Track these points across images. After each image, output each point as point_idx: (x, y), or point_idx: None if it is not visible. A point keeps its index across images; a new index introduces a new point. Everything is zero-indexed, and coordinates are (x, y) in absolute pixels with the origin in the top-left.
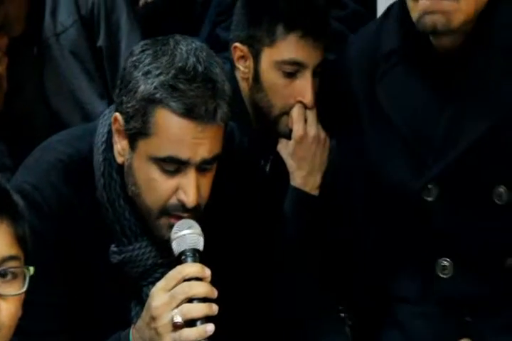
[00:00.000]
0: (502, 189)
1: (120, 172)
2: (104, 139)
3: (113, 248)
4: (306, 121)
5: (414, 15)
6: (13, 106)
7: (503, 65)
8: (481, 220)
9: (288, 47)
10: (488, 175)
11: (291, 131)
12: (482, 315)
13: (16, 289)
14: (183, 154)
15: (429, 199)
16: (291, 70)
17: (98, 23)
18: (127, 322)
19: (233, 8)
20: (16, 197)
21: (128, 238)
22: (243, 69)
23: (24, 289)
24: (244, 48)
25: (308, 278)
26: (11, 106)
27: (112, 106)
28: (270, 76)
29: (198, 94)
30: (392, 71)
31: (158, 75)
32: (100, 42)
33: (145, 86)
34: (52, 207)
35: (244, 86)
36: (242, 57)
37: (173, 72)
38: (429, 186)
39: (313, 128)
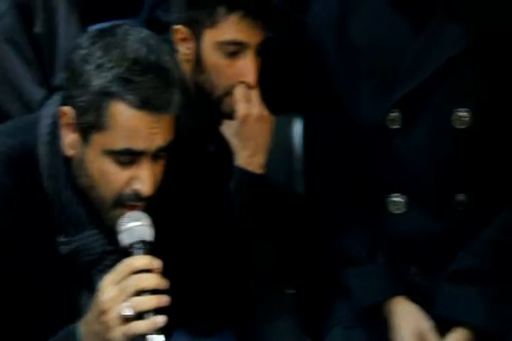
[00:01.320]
0: (463, 112)
1: (66, 164)
2: (48, 130)
3: (61, 238)
4: (249, 100)
5: None
6: None
7: None
8: (439, 148)
9: (229, 28)
10: (451, 98)
11: (234, 111)
12: (426, 266)
13: None
14: (139, 146)
15: (393, 127)
16: (233, 50)
17: (34, 9)
18: (78, 313)
19: None
20: None
21: (76, 228)
22: (185, 51)
23: None
24: (186, 30)
25: (256, 256)
26: None
27: (55, 97)
28: (212, 57)
29: (153, 85)
30: (364, 5)
31: (111, 68)
32: (37, 29)
33: (98, 80)
34: None
35: (185, 68)
36: (184, 39)
37: (126, 64)
38: (393, 114)
39: (256, 108)
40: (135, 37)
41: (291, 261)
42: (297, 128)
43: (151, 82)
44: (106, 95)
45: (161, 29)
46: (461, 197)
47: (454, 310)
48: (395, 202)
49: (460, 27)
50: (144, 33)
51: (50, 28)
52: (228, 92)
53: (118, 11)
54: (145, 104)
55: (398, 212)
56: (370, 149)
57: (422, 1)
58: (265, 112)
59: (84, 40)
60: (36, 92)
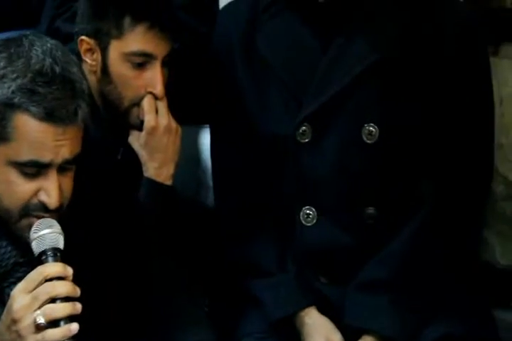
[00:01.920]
0: (372, 128)
1: None
2: None
3: None
4: (156, 111)
5: None
6: None
7: (385, 12)
8: (349, 162)
9: (136, 39)
10: (359, 114)
11: (142, 122)
12: (335, 276)
13: None
14: (45, 157)
15: (303, 141)
16: (140, 61)
17: None
18: None
19: (72, 0)
20: None
21: None
22: (90, 62)
23: None
24: (91, 41)
25: (167, 267)
26: None
27: None
28: (119, 68)
29: (58, 97)
30: (273, 19)
31: (15, 79)
32: None
33: (1, 90)
34: None
35: (92, 79)
36: (89, 49)
37: (30, 75)
38: (303, 128)
39: (164, 119)
40: (41, 48)
41: (200, 272)
42: (205, 138)
43: (55, 94)
44: (9, 106)
45: (63, 40)
46: (370, 210)
47: (362, 319)
48: (305, 214)
49: (365, 44)
50: (50, 43)
51: None
52: (135, 103)
53: (16, 21)
54: (49, 116)
55: (309, 224)
56: (279, 162)
57: (330, 17)
58: (173, 123)
59: None
60: None
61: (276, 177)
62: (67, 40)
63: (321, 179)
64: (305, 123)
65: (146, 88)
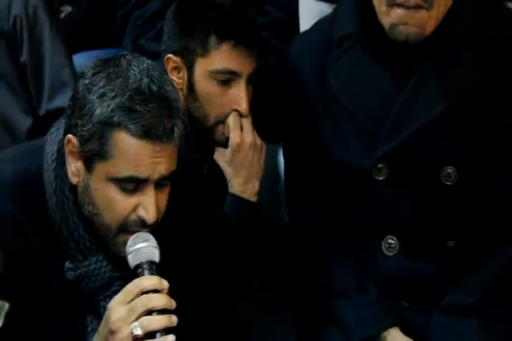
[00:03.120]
0: (450, 170)
1: (73, 190)
2: (54, 157)
3: (68, 264)
4: (241, 129)
5: (385, 21)
6: None
7: (460, 52)
8: (428, 200)
9: (221, 57)
10: (437, 156)
11: (227, 139)
12: (418, 301)
13: None
14: (142, 173)
15: (379, 178)
16: (225, 79)
17: (21, 38)
18: (84, 338)
19: (156, 19)
20: None
21: (83, 254)
22: (177, 80)
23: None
24: (178, 59)
25: (253, 284)
26: None
27: (59, 124)
28: (204, 86)
29: (155, 115)
30: (345, 55)
31: (113, 98)
32: (23, 58)
33: (101, 109)
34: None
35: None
36: (176, 68)
37: (128, 93)
38: (379, 165)
39: (249, 136)
40: (138, 67)
41: (284, 290)
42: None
43: (153, 112)
44: (109, 125)
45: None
46: (451, 243)
47: None
48: (387, 243)
49: (443, 85)
50: (147, 63)
51: (37, 57)
52: (220, 121)
53: (101, 40)
54: (147, 134)
55: (390, 254)
56: (356, 194)
57: (405, 54)
58: (258, 140)
59: (88, 69)
60: (23, 121)
61: (352, 205)
62: (151, 58)
63: (400, 213)
64: (381, 162)
65: (232, 105)
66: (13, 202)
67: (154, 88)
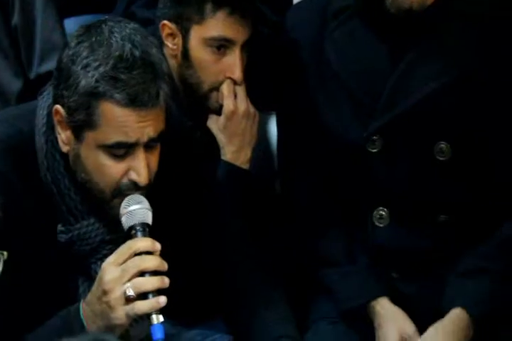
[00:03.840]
0: (444, 145)
1: (64, 155)
2: (44, 121)
3: (60, 227)
4: (235, 96)
5: None
6: None
7: (460, 30)
8: (420, 174)
9: (216, 24)
10: (431, 131)
11: (221, 106)
12: (408, 272)
13: None
14: (131, 138)
15: (373, 150)
16: (220, 45)
17: (12, 0)
18: (75, 300)
19: None
20: None
21: (75, 217)
22: (172, 46)
23: None
24: (173, 26)
25: (245, 251)
26: None
27: (49, 89)
28: (199, 53)
29: (140, 81)
30: (342, 27)
31: (97, 67)
32: (14, 21)
33: (86, 80)
34: None
35: (172, 63)
36: (171, 34)
37: (111, 62)
38: (374, 137)
39: (243, 104)
40: (119, 33)
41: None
42: (274, 126)
43: (137, 78)
44: (94, 95)
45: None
46: (443, 217)
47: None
48: (378, 214)
49: (439, 61)
50: (129, 28)
51: (28, 20)
52: (214, 88)
53: (93, 5)
54: (133, 102)
55: (381, 225)
56: (349, 164)
57: (402, 27)
58: (252, 108)
59: (71, 39)
60: (13, 83)
61: (346, 176)
62: (143, 25)
63: (393, 186)
64: (376, 134)
65: (225, 73)
66: (5, 161)
67: (137, 53)
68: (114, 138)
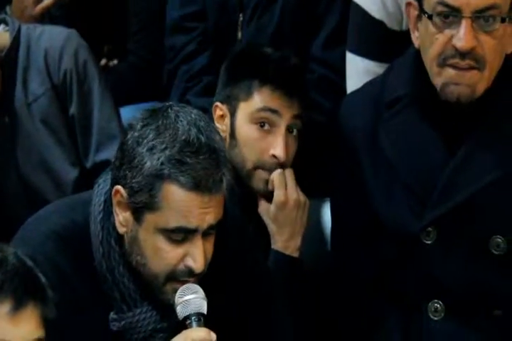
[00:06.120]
0: (500, 239)
1: (119, 241)
2: (101, 208)
3: (113, 315)
4: (286, 186)
5: (437, 81)
6: None
7: None
8: (475, 267)
9: (262, 97)
10: (486, 224)
11: (265, 186)
12: None
13: None
14: (192, 224)
15: (428, 241)
16: (264, 122)
17: (70, 91)
18: None
19: (202, 74)
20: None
21: (127, 304)
22: (222, 128)
23: None
24: (223, 107)
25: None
26: None
27: (105, 176)
28: (245, 129)
29: (205, 167)
30: (397, 117)
31: (163, 150)
32: (72, 111)
33: (151, 161)
34: (48, 279)
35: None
36: (221, 116)
37: (178, 145)
38: (428, 229)
39: (293, 193)
40: (185, 118)
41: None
42: (327, 212)
43: (203, 163)
44: (159, 177)
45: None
46: (498, 312)
47: None
48: (434, 307)
49: (495, 154)
50: (194, 113)
51: (85, 111)
52: (258, 166)
53: (148, 94)
54: (197, 186)
55: (436, 318)
56: (403, 256)
57: (458, 119)
58: (302, 197)
59: (136, 121)
60: (70, 173)
61: (400, 266)
62: None
63: (447, 278)
64: (431, 226)
65: (269, 150)
66: (59, 252)
67: (203, 139)
68: (175, 222)
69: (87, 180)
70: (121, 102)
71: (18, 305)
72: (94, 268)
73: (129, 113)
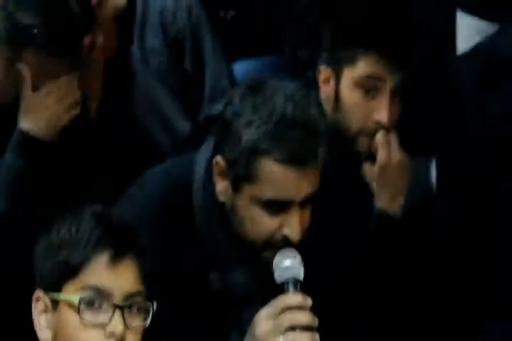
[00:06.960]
0: None
1: (220, 207)
2: (203, 175)
3: (214, 275)
4: (389, 146)
5: None
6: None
7: None
8: None
9: (367, 64)
10: None
11: (368, 148)
12: None
13: (140, 321)
14: (287, 196)
15: None
16: (370, 85)
17: (184, 46)
18: None
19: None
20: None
21: (228, 265)
22: (326, 91)
23: (148, 322)
24: (328, 70)
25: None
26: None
27: (208, 143)
28: (349, 94)
29: (300, 142)
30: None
31: (259, 125)
32: (185, 66)
33: (248, 136)
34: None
35: (327, 108)
36: (326, 79)
37: (274, 121)
38: None
39: (396, 154)
40: (282, 93)
41: None
42: (434, 169)
43: (297, 138)
44: (255, 151)
45: (303, 67)
46: None
47: None
48: None
49: None
50: (291, 87)
51: (198, 66)
52: (362, 132)
53: (260, 48)
54: (292, 160)
55: None
56: None
57: None
58: (404, 158)
59: (235, 95)
60: (183, 125)
61: None
62: (307, 67)
63: None
64: None
65: (373, 116)
66: (161, 214)
67: (299, 114)
68: (271, 194)
69: (199, 134)
70: (234, 57)
71: (117, 255)
72: (195, 231)
73: (241, 68)
